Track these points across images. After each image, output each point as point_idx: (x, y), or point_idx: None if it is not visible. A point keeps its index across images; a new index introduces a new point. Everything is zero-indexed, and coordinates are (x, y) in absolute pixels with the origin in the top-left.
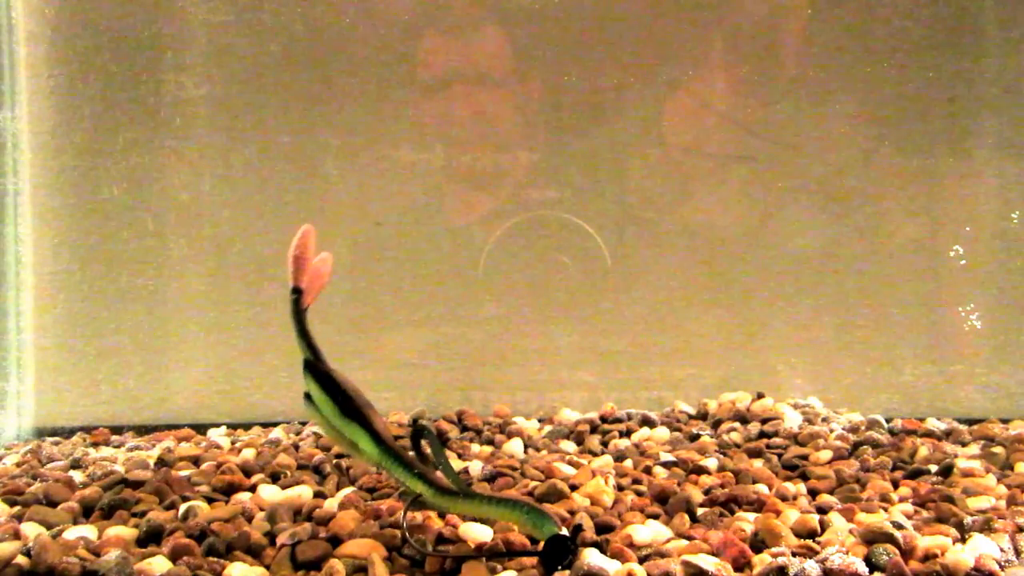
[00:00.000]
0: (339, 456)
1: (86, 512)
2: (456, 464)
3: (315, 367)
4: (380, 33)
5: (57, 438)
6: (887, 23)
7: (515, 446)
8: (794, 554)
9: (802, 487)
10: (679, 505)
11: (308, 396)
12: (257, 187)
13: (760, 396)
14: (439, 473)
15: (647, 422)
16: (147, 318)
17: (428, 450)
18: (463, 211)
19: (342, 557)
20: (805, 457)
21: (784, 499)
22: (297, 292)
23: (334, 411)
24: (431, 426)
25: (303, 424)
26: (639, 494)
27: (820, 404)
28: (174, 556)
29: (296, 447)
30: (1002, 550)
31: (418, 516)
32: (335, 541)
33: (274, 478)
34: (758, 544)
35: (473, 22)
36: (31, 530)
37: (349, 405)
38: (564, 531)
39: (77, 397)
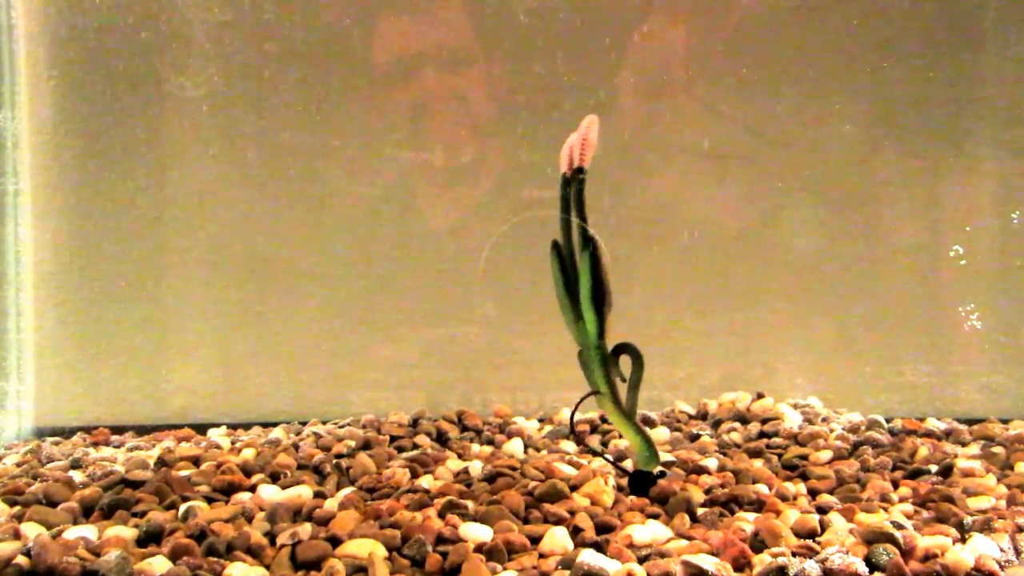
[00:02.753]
0: (339, 456)
1: (86, 512)
2: (456, 464)
3: (596, 246)
4: (380, 33)
5: (57, 438)
6: (887, 23)
7: (515, 446)
8: (794, 554)
9: (802, 487)
10: (679, 505)
11: (556, 245)
12: (257, 187)
13: (760, 396)
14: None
15: (647, 422)
16: (147, 318)
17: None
18: (462, 211)
19: (342, 557)
20: (805, 457)
21: (784, 499)
22: (582, 171)
23: (587, 291)
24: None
25: (303, 424)
26: (639, 494)
27: (820, 404)
28: (174, 556)
29: (296, 447)
30: (1002, 550)
31: (418, 516)
32: (335, 541)
33: (274, 478)
34: (758, 544)
35: (471, 21)
36: (31, 530)
37: (599, 293)
38: (661, 469)
39: (77, 397)
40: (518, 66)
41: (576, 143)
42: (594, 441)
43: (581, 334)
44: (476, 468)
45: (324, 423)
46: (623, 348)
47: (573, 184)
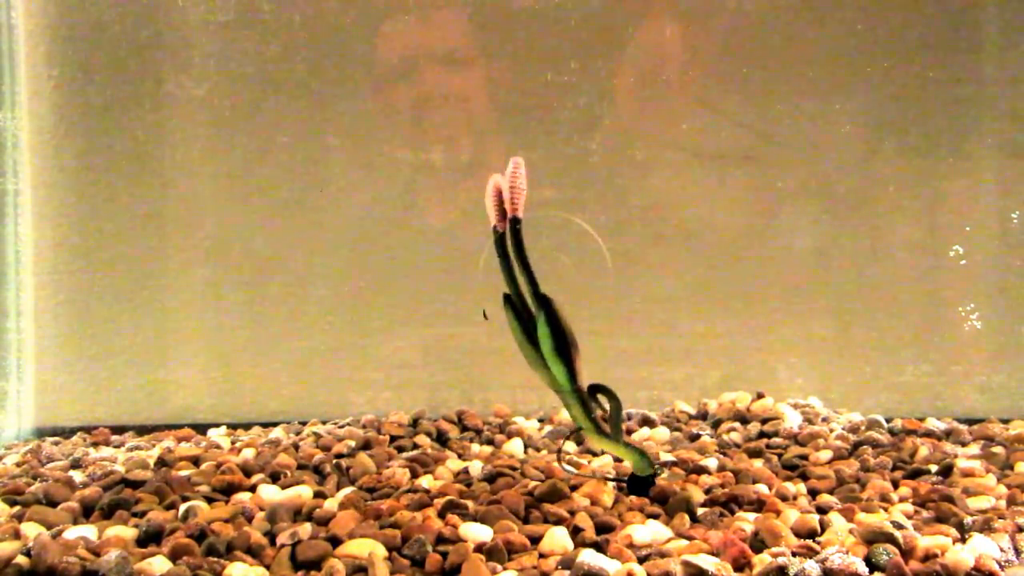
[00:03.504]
0: (339, 456)
1: (86, 512)
2: (456, 464)
3: (548, 300)
4: (380, 33)
5: (57, 438)
6: (887, 23)
7: (515, 446)
8: (794, 554)
9: (802, 487)
10: (679, 505)
11: (508, 298)
12: (257, 187)
13: (760, 396)
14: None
15: (647, 422)
16: (147, 318)
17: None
18: (462, 210)
19: (342, 557)
20: (805, 457)
21: (784, 499)
22: (517, 222)
23: (549, 343)
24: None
25: (303, 424)
26: (639, 494)
27: (820, 404)
28: (174, 556)
29: (296, 447)
30: (1002, 550)
31: (418, 516)
32: (335, 541)
33: (274, 478)
34: (758, 544)
35: (471, 22)
36: (31, 530)
37: (562, 343)
38: (658, 470)
39: (77, 397)
40: (518, 65)
41: (505, 191)
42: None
43: (552, 381)
44: (476, 468)
45: (324, 423)
46: (597, 389)
47: (510, 235)
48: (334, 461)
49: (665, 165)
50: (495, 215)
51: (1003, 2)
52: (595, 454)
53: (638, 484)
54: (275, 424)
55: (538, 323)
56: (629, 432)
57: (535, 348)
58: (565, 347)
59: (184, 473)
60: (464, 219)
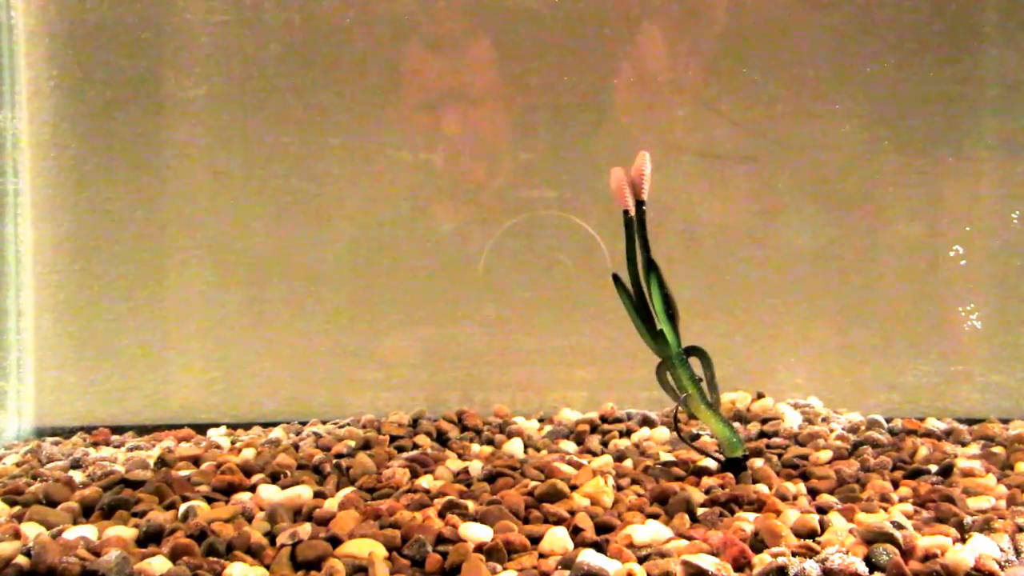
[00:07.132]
0: (339, 456)
1: (86, 512)
2: (456, 464)
3: (655, 264)
4: (380, 33)
5: (57, 438)
6: (887, 23)
7: (515, 446)
8: (794, 554)
9: (802, 487)
10: (679, 505)
11: (616, 277)
12: (257, 187)
13: (760, 396)
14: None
15: (647, 422)
16: (147, 318)
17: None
18: (463, 211)
19: (342, 557)
20: (805, 457)
21: (784, 499)
22: (643, 204)
23: (661, 309)
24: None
25: (303, 424)
26: (639, 494)
27: (820, 404)
28: (174, 556)
29: (296, 447)
30: (1002, 550)
31: (418, 516)
32: (335, 541)
33: (274, 478)
34: (758, 544)
35: (471, 22)
36: (31, 530)
37: (670, 308)
38: (746, 452)
39: (77, 397)
40: (518, 66)
41: (636, 178)
42: (594, 441)
43: (662, 346)
44: (476, 468)
45: (324, 423)
46: (692, 351)
47: (636, 216)
48: (334, 461)
49: (665, 165)
50: (626, 199)
51: (1003, 2)
52: (594, 453)
53: (732, 466)
54: (275, 424)
55: (651, 284)
56: (629, 433)
57: (642, 319)
58: (671, 310)
59: (184, 473)
60: (465, 219)
